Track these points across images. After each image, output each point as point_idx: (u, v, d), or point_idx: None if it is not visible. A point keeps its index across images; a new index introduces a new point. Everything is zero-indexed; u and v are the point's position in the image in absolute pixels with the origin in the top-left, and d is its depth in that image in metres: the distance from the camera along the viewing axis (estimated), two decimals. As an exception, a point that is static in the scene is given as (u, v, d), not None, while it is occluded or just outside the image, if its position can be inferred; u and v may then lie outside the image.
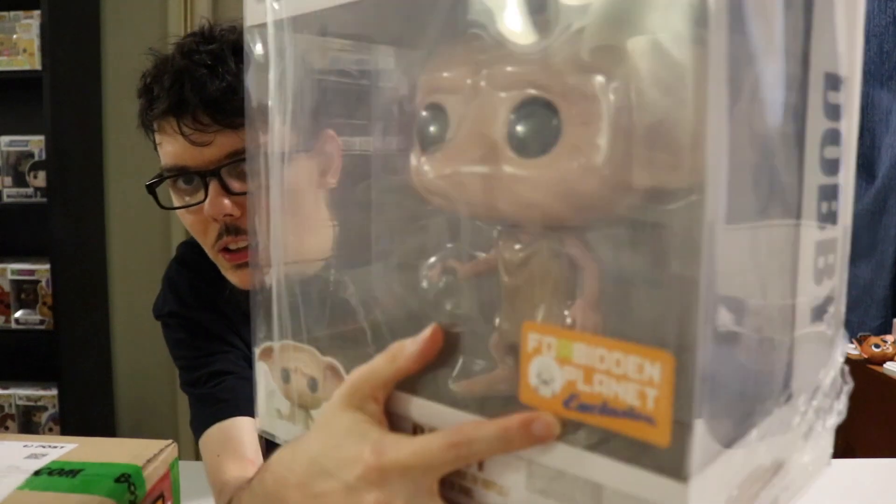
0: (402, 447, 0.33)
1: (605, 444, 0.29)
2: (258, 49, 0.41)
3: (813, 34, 0.31)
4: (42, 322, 1.83)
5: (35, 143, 1.80)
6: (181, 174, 0.73)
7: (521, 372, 0.31)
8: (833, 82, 0.33)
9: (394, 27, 0.39)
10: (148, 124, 0.75)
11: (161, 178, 0.74)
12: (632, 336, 0.27)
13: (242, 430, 0.79)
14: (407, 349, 0.34)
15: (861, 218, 1.76)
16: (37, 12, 1.73)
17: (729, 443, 0.28)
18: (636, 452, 0.27)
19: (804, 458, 0.33)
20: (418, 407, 0.35)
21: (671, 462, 0.26)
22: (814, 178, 0.32)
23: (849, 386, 0.34)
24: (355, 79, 0.41)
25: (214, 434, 0.79)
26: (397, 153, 0.36)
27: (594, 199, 0.29)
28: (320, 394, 0.40)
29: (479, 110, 0.31)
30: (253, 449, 0.78)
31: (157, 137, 0.74)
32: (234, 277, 0.75)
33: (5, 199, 1.82)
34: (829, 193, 0.33)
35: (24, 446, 0.52)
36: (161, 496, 0.52)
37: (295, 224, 0.42)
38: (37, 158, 1.81)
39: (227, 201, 0.70)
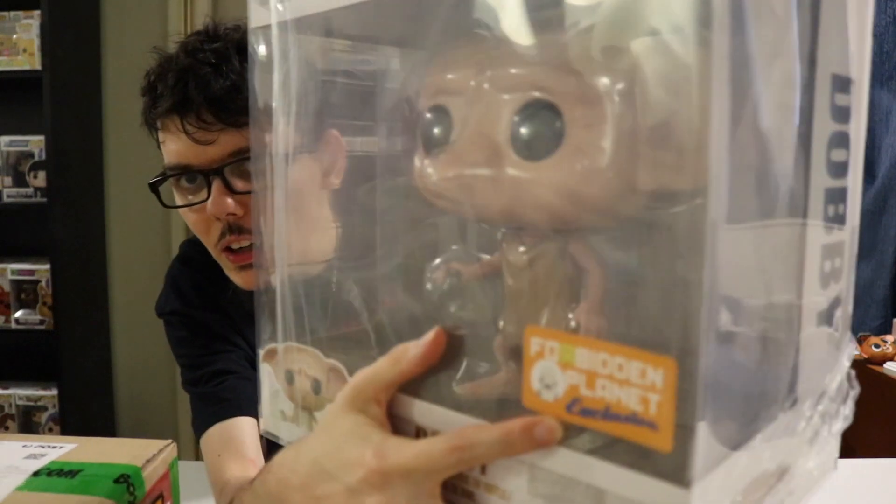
0: (405, 450, 0.33)
1: (608, 448, 0.29)
2: (262, 51, 0.41)
3: (821, 35, 0.31)
4: (42, 322, 1.83)
5: (35, 143, 1.80)
6: (184, 173, 0.72)
7: (523, 376, 0.30)
8: (841, 84, 0.32)
9: (397, 28, 0.39)
10: (151, 122, 0.75)
11: (164, 177, 0.74)
12: (635, 339, 0.27)
13: (244, 431, 0.78)
14: (410, 352, 0.34)
15: (861, 218, 1.76)
16: (37, 12, 1.73)
17: (733, 448, 0.28)
18: (638, 457, 0.27)
19: (809, 464, 0.33)
20: (421, 410, 0.35)
21: (674, 467, 0.26)
22: (820, 180, 0.32)
23: (855, 391, 0.34)
24: (359, 80, 0.41)
25: (216, 434, 0.79)
26: (401, 154, 0.36)
27: (598, 202, 0.29)
28: (324, 396, 0.40)
29: (482, 112, 0.31)
30: (254, 449, 0.78)
31: (161, 136, 0.74)
32: (237, 278, 0.75)
33: (5, 199, 1.82)
34: (836, 196, 0.33)
35: (24, 446, 0.52)
36: (161, 496, 0.52)
37: (298, 225, 0.42)
38: (37, 158, 1.80)
39: (229, 200, 0.70)
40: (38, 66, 1.74)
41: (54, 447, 0.52)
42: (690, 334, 0.25)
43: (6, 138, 1.82)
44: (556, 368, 0.29)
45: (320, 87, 0.40)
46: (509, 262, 0.33)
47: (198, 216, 0.74)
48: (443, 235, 0.37)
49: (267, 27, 0.40)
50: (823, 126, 0.32)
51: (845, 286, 0.35)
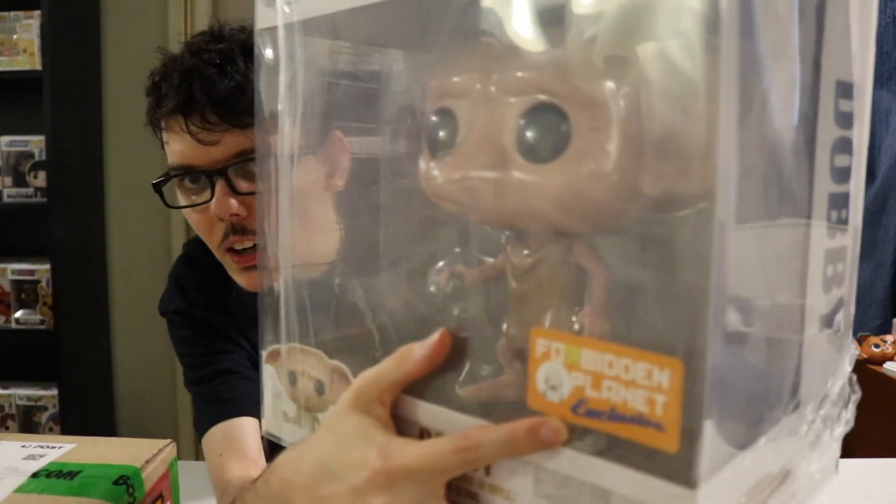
0: (409, 451, 0.33)
1: (613, 449, 0.29)
2: (268, 52, 0.41)
3: (825, 41, 0.31)
4: (42, 322, 1.83)
5: (35, 143, 1.80)
6: (188, 173, 0.72)
7: (529, 377, 0.31)
8: (844, 90, 0.33)
9: (404, 31, 0.39)
10: (155, 122, 0.75)
11: (168, 177, 0.74)
12: (641, 341, 0.27)
13: (246, 431, 0.78)
14: (415, 353, 0.34)
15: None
16: (37, 12, 1.73)
17: (738, 449, 0.28)
18: (644, 458, 0.27)
19: (811, 467, 0.33)
20: (425, 411, 0.35)
21: (680, 468, 0.26)
22: (824, 186, 0.32)
23: (857, 395, 0.34)
24: (365, 82, 0.41)
25: (217, 433, 0.79)
26: (406, 157, 0.36)
27: (603, 205, 0.29)
28: (327, 397, 0.40)
29: (488, 115, 0.31)
30: (256, 449, 0.78)
31: (165, 136, 0.74)
32: (241, 279, 0.75)
33: (5, 199, 1.82)
34: (839, 202, 0.33)
35: (23, 446, 0.52)
36: (160, 496, 0.52)
37: (302, 226, 0.42)
38: (37, 158, 1.80)
39: (233, 201, 0.70)
40: (38, 66, 1.74)
41: (53, 447, 0.52)
42: (697, 334, 0.25)
43: (6, 138, 1.82)
44: (561, 370, 0.29)
45: (326, 90, 0.40)
46: (513, 265, 0.33)
47: (201, 217, 0.74)
48: (447, 238, 0.37)
49: (273, 29, 0.40)
50: (827, 132, 0.32)
51: (847, 290, 0.35)
